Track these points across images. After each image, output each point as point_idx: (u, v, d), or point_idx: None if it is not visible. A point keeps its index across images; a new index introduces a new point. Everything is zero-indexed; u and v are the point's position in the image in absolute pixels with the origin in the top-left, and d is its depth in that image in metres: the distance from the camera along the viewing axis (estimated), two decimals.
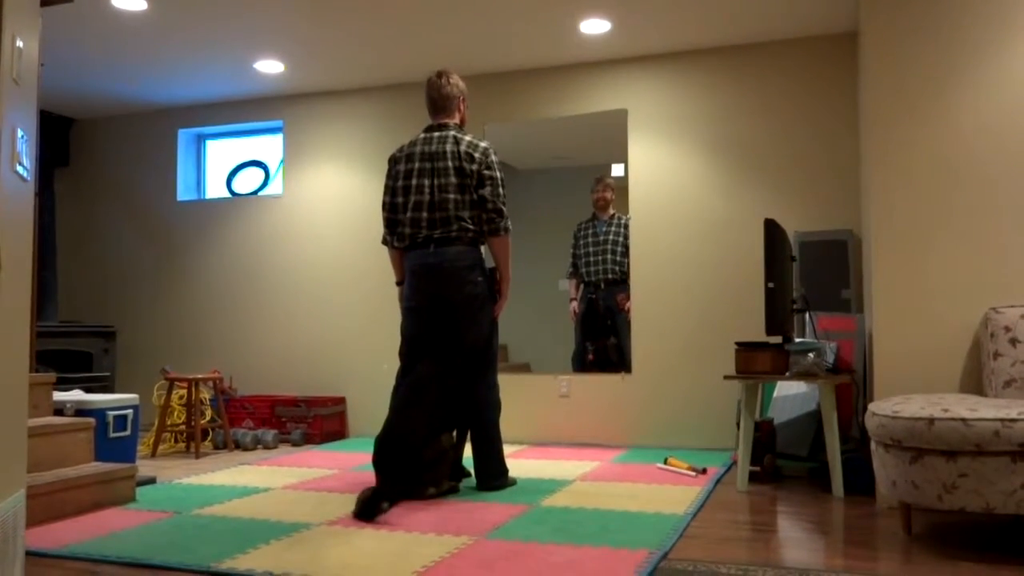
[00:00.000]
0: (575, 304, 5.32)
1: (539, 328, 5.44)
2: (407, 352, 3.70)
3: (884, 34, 3.55)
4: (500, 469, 3.70)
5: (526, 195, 5.57)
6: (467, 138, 3.67)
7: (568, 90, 5.51)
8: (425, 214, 3.61)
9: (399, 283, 3.82)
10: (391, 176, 3.76)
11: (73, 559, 2.60)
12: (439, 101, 3.77)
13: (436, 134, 3.69)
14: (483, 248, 3.72)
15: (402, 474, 3.43)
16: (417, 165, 3.66)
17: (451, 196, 3.58)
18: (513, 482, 3.78)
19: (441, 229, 3.58)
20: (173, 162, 6.49)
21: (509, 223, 3.64)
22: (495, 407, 3.69)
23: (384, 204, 3.77)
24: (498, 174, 3.63)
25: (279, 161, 6.39)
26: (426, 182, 3.62)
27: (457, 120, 3.79)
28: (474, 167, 3.60)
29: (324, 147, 6.08)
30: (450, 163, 3.60)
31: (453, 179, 3.59)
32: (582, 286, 5.34)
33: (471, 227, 3.60)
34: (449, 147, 3.62)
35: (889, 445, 2.74)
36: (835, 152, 4.95)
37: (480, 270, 3.64)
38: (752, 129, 5.12)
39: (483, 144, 3.66)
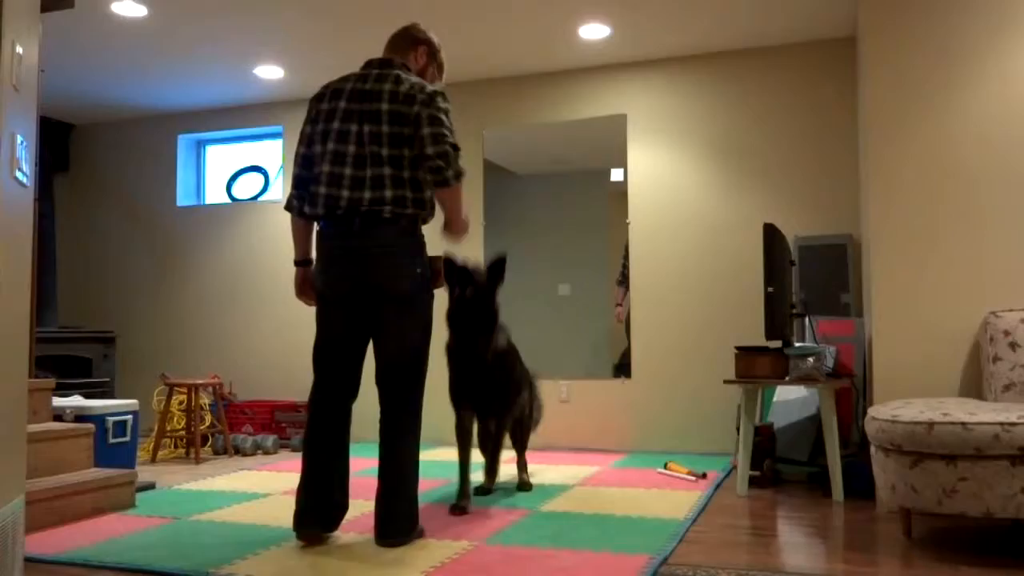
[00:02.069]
0: (620, 309, 5.33)
1: (539, 333, 5.44)
2: (322, 360, 2.86)
3: (883, 39, 3.55)
4: (409, 519, 2.78)
5: (525, 200, 5.57)
6: (413, 78, 2.83)
7: (567, 95, 5.52)
8: (348, 170, 2.76)
9: (299, 263, 2.95)
10: (309, 119, 2.89)
11: (72, 565, 2.60)
12: (395, 39, 3.00)
13: (376, 71, 2.85)
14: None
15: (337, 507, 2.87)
16: (343, 105, 2.81)
17: (384, 151, 2.74)
18: (421, 534, 2.86)
19: (371, 194, 2.73)
20: (173, 167, 6.50)
21: (461, 166, 2.77)
22: (415, 436, 2.82)
23: (296, 156, 2.89)
24: (445, 117, 2.78)
25: (279, 166, 6.39)
26: (353, 128, 2.77)
27: (411, 65, 2.98)
28: (415, 109, 2.74)
29: None
30: (385, 105, 2.76)
31: (385, 128, 2.74)
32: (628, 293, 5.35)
33: (410, 196, 2.77)
34: (388, 86, 2.78)
35: (889, 449, 2.74)
36: (834, 156, 4.96)
37: (420, 260, 2.84)
38: (751, 133, 5.13)
39: (432, 87, 2.81)
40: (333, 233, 2.79)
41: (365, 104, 2.78)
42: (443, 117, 2.76)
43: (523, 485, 3.81)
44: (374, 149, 2.75)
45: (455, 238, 2.92)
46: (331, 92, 2.86)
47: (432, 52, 3.05)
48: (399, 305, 2.79)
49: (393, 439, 2.78)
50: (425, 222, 2.88)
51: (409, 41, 2.99)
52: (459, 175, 2.75)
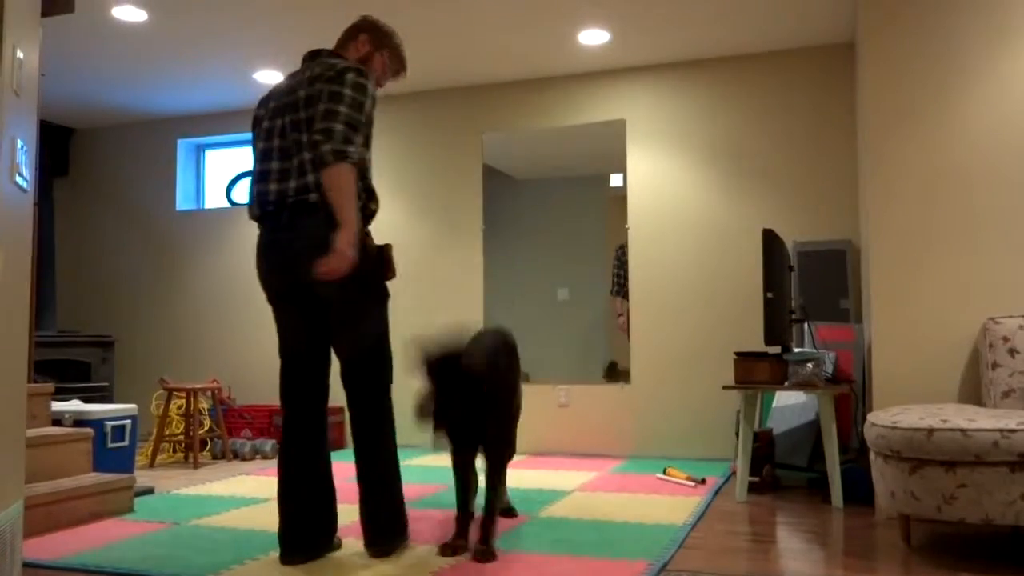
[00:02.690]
0: (623, 319, 5.33)
1: (538, 337, 5.44)
2: (283, 364, 2.77)
3: (881, 45, 3.56)
4: (397, 523, 2.69)
5: (525, 204, 5.58)
6: (332, 60, 2.66)
7: (567, 100, 5.53)
8: (275, 164, 2.62)
9: None
10: (252, 130, 2.82)
11: (70, 570, 2.59)
12: (341, 35, 2.87)
13: (306, 64, 2.77)
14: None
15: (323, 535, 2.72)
16: (272, 104, 2.72)
17: (304, 137, 2.58)
18: (406, 541, 2.76)
19: (296, 183, 2.56)
20: (172, 172, 6.50)
21: (351, 149, 2.47)
22: (389, 434, 2.69)
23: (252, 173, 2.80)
24: (352, 92, 2.55)
25: None
26: (277, 123, 2.66)
27: (350, 56, 2.81)
28: (318, 87, 2.57)
29: None
30: (302, 92, 2.62)
31: (302, 113, 2.59)
32: (626, 302, 5.34)
33: None
34: (307, 74, 2.65)
35: (888, 456, 2.74)
36: (833, 162, 4.96)
37: (358, 248, 2.54)
38: (750, 139, 5.13)
39: (345, 64, 2.61)
40: (264, 227, 2.67)
41: (287, 97, 2.66)
42: (346, 92, 2.53)
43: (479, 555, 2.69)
44: (295, 137, 2.59)
45: (339, 255, 2.44)
46: (266, 97, 2.78)
47: (377, 40, 2.83)
48: (340, 303, 2.62)
49: (366, 442, 2.67)
50: (367, 211, 2.66)
51: (351, 33, 2.84)
52: (340, 154, 2.45)
